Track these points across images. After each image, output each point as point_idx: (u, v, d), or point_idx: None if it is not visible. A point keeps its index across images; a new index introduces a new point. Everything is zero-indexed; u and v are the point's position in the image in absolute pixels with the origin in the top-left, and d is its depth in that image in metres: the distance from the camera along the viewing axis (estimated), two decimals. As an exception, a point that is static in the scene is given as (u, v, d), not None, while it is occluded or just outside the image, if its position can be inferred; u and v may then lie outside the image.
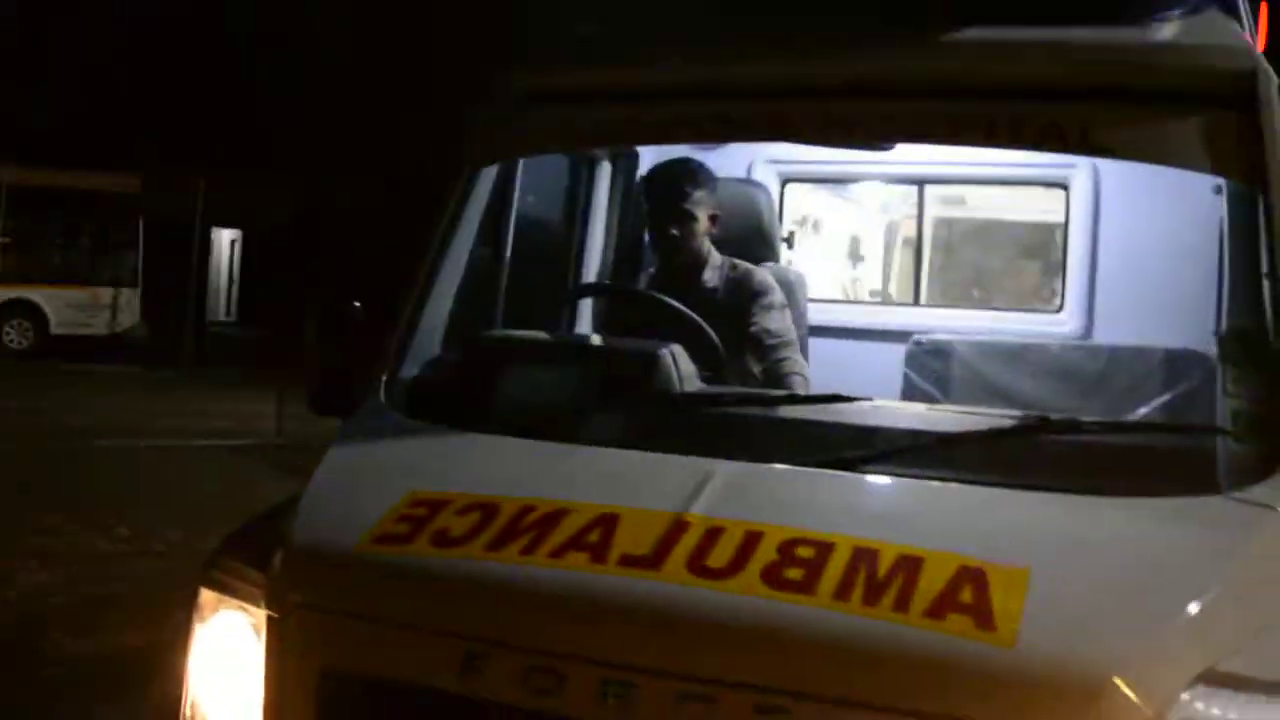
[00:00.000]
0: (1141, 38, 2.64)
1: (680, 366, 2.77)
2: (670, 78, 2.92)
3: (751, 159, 4.15)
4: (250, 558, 2.37)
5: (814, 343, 3.89)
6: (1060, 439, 2.34)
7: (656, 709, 1.87)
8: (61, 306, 21.47)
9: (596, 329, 3.60)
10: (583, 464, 2.38)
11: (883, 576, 1.90)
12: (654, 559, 2.00)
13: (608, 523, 2.10)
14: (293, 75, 22.61)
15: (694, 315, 3.08)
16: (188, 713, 2.39)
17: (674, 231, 3.44)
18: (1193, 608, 1.89)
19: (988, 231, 4.57)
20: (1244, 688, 1.79)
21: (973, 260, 4.50)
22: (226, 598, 2.35)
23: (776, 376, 3.29)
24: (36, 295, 21.45)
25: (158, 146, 22.72)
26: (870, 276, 4.67)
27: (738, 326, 3.38)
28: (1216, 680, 1.80)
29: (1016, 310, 4.26)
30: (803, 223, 4.43)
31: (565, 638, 1.97)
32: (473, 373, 2.88)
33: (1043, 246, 4.40)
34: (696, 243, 3.48)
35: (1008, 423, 2.37)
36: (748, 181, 3.94)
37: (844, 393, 2.54)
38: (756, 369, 3.33)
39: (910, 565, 1.92)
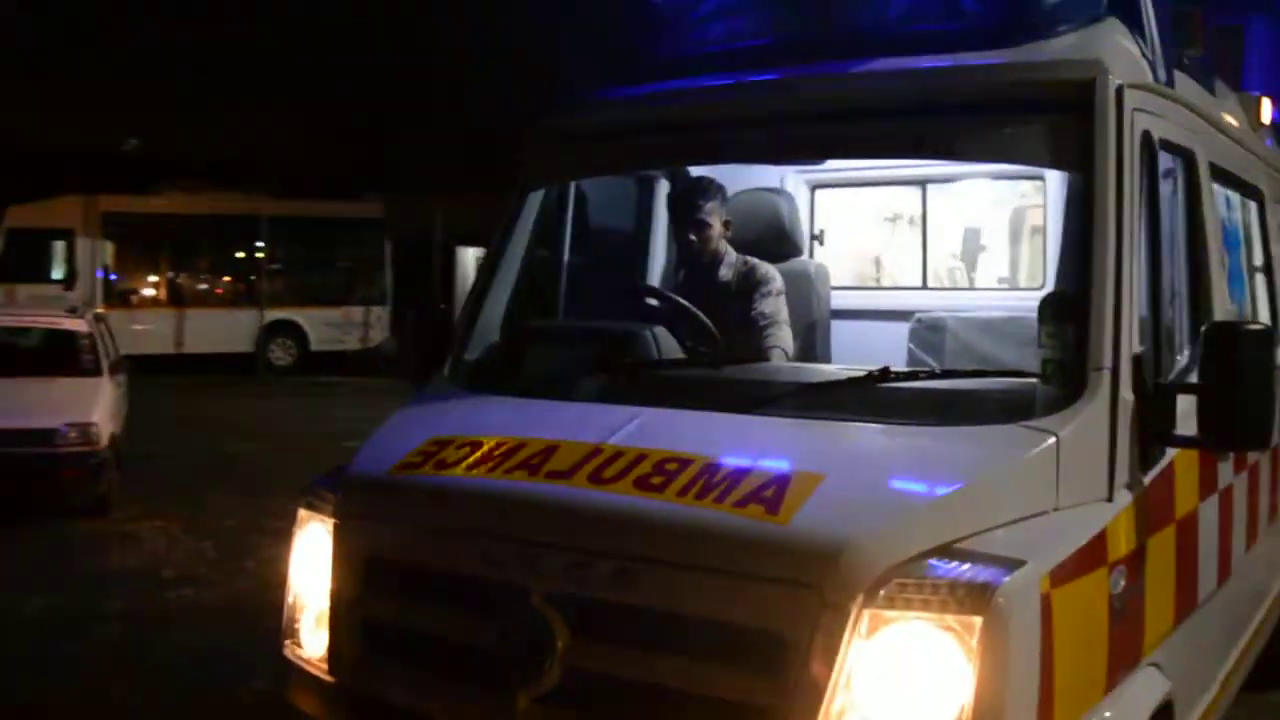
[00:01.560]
0: (1007, 58, 3.23)
1: (660, 343, 3.57)
2: (658, 117, 3.73)
3: (784, 171, 4.86)
4: (328, 486, 3.31)
5: (839, 324, 4.57)
6: (903, 385, 3.03)
7: (558, 574, 2.69)
8: (319, 325, 23.55)
9: (638, 318, 4.37)
10: (553, 413, 3.22)
11: (717, 480, 2.65)
12: (568, 473, 2.82)
13: (549, 450, 2.93)
14: (521, 99, 24.10)
15: (690, 305, 3.84)
16: (290, 592, 3.35)
17: (692, 237, 4.22)
18: (940, 499, 2.56)
19: (982, 221, 5.09)
20: (966, 559, 2.45)
21: (971, 248, 5.03)
22: (312, 513, 3.30)
23: (762, 349, 4.01)
24: (298, 316, 23.67)
25: (397, 173, 24.69)
26: (890, 265, 5.27)
27: (744, 310, 4.13)
28: (947, 552, 2.46)
29: (1008, 290, 4.78)
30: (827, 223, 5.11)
31: (503, 526, 2.82)
32: (509, 352, 3.75)
33: (1029, 233, 4.91)
34: (712, 245, 4.24)
35: (859, 374, 3.06)
36: (773, 190, 4.65)
37: (857, 365, 3.20)
38: (753, 343, 4.06)
39: (740, 473, 2.66)
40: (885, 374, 3.02)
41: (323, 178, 24.50)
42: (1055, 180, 4.40)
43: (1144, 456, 2.93)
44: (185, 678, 5.88)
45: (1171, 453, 3.10)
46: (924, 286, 4.99)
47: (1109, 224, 2.94)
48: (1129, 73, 3.25)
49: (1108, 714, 2.71)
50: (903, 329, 4.48)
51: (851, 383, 3.09)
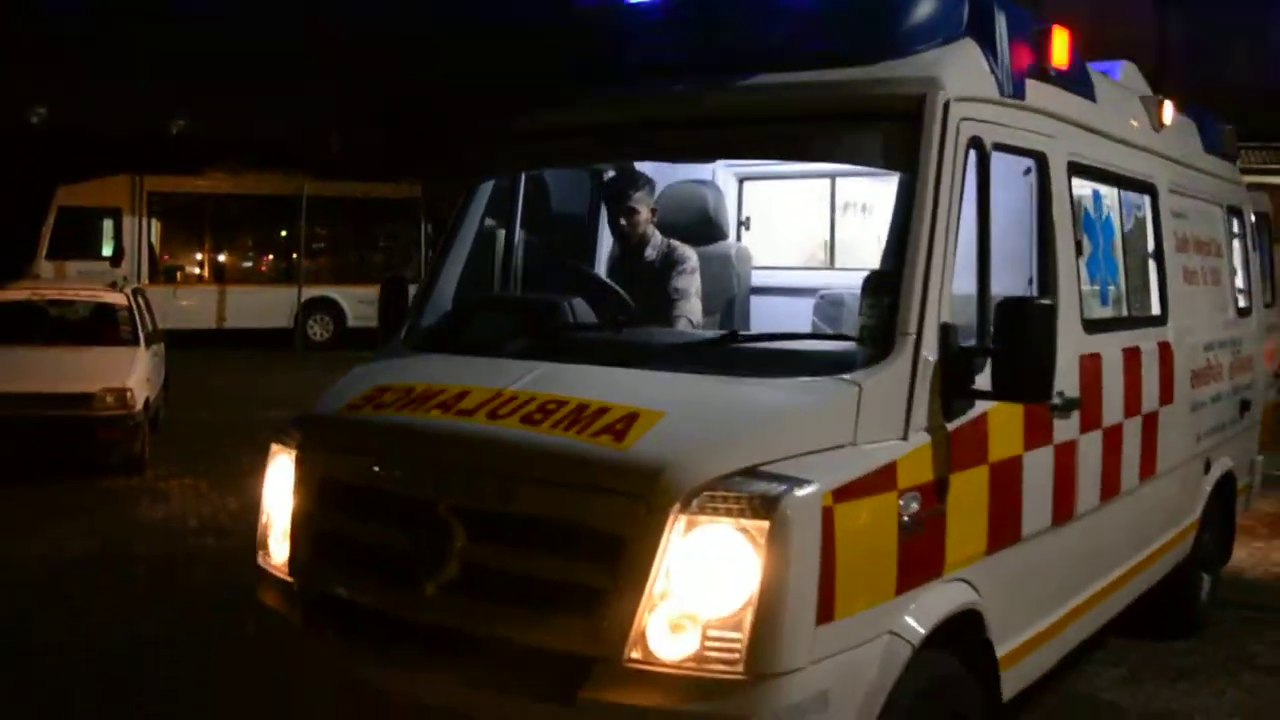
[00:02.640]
0: (861, 75, 3.86)
1: (576, 311, 4.24)
2: (579, 121, 4.40)
3: (715, 165, 5.51)
4: (294, 424, 4.03)
5: (762, 299, 5.23)
6: (749, 345, 3.69)
7: (458, 489, 3.38)
8: (356, 302, 24.19)
9: (571, 291, 5.01)
10: (475, 366, 3.90)
11: (583, 417, 3.33)
12: (472, 411, 3.51)
13: (462, 394, 3.62)
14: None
15: (609, 281, 4.53)
16: (262, 512, 4.07)
17: (622, 222, 4.89)
18: (750, 431, 3.23)
19: (880, 210, 5.68)
20: (764, 478, 3.10)
21: (872, 233, 5.62)
22: (281, 446, 4.01)
23: (671, 319, 4.67)
24: (335, 293, 24.49)
25: (435, 156, 25.46)
26: (808, 248, 5.88)
27: (664, 285, 4.79)
28: (751, 473, 3.12)
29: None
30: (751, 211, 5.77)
31: (419, 452, 3.52)
32: (453, 319, 4.44)
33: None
34: (640, 229, 4.90)
35: (714, 336, 3.73)
36: (701, 182, 5.28)
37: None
38: (667, 313, 4.72)
39: (602, 411, 3.33)
40: (734, 336, 3.69)
41: (361, 160, 25.31)
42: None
43: (947, 407, 3.57)
44: (200, 611, 6.64)
45: (985, 406, 3.73)
46: (831, 266, 5.62)
47: (924, 215, 3.58)
48: (968, 87, 3.87)
49: (900, 608, 3.36)
50: (811, 304, 5.12)
51: (708, 343, 3.77)
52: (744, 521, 3.02)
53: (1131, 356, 5.06)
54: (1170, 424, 5.58)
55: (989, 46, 4.06)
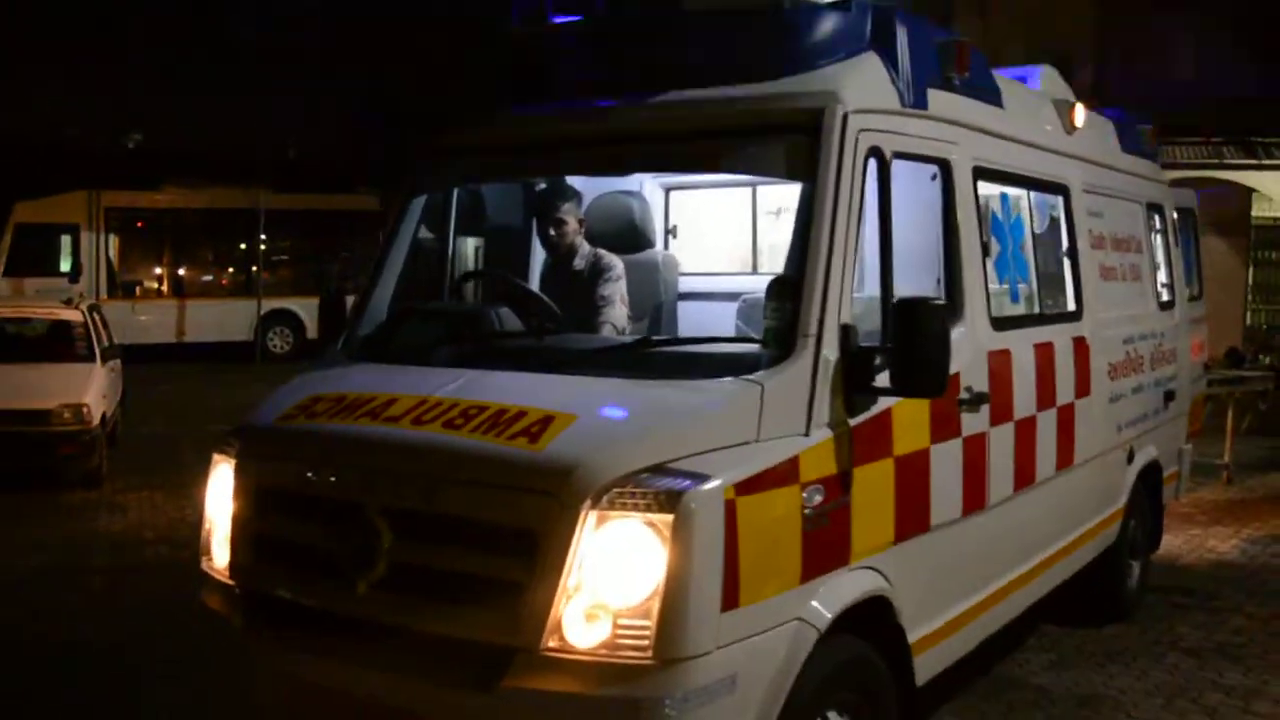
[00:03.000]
0: (766, 90, 4.06)
1: (503, 320, 4.43)
2: (505, 139, 4.59)
3: (642, 176, 5.70)
4: (234, 434, 4.19)
5: (689, 304, 5.42)
6: (661, 350, 3.89)
7: (384, 491, 3.55)
8: (316, 314, 24.29)
9: (501, 301, 5.17)
10: (404, 375, 4.07)
11: (501, 421, 3.51)
12: (399, 418, 3.69)
13: (390, 402, 3.80)
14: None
15: (535, 290, 4.73)
16: (205, 519, 4.22)
17: (551, 233, 5.07)
18: (656, 431, 3.42)
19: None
20: (669, 474, 3.28)
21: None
22: (221, 456, 4.16)
23: (596, 325, 4.85)
24: (294, 305, 24.45)
25: (391, 167, 25.52)
26: (734, 253, 6.08)
27: (590, 293, 4.97)
28: (658, 470, 3.30)
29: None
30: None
31: (347, 458, 3.69)
32: (387, 329, 4.60)
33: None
34: (568, 240, 5.08)
35: (628, 341, 3.92)
36: (628, 193, 5.47)
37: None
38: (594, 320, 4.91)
39: (519, 415, 3.51)
40: (646, 340, 3.89)
41: (318, 172, 25.34)
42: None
43: (850, 403, 3.78)
44: (153, 617, 6.77)
45: (888, 402, 3.94)
46: (754, 271, 5.83)
47: (823, 223, 3.78)
48: (868, 99, 4.07)
49: (806, 595, 3.56)
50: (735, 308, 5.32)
51: (623, 348, 3.97)
52: (650, 516, 3.20)
53: (1044, 351, 5.29)
54: (1088, 415, 5.81)
55: (890, 59, 4.27)
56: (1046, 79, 6.62)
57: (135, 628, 6.61)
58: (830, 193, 3.82)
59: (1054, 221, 5.94)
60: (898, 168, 4.36)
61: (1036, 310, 5.51)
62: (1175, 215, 8.02)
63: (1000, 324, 4.87)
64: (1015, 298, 5.28)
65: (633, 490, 3.24)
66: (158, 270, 24.68)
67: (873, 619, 3.97)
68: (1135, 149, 7.29)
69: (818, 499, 3.61)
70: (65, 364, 11.07)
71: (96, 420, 10.45)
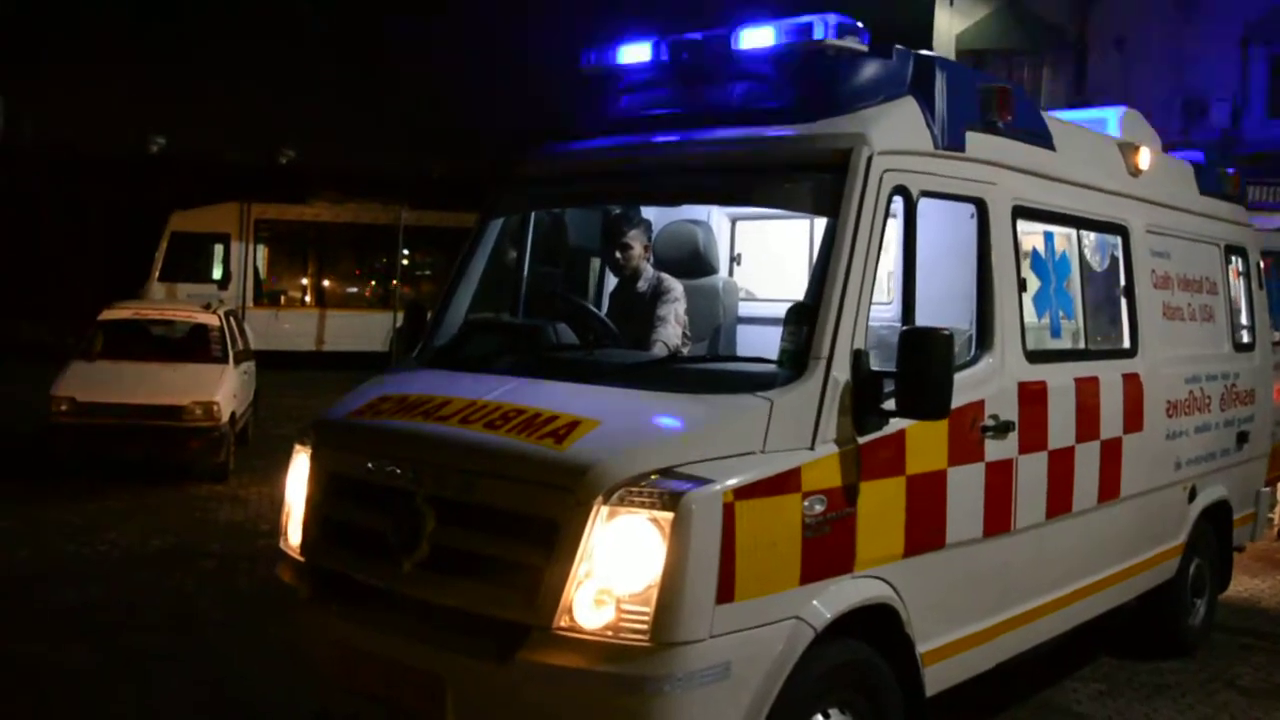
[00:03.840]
0: (805, 131, 4.39)
1: (559, 334, 4.85)
2: (571, 168, 5.03)
3: (710, 208, 6.06)
4: (312, 427, 4.69)
5: (745, 328, 5.77)
6: (688, 365, 4.25)
7: (431, 482, 3.99)
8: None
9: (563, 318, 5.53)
10: (463, 381, 4.51)
11: (536, 423, 3.92)
12: (449, 417, 4.13)
13: (445, 403, 4.25)
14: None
15: (591, 308, 5.19)
16: (285, 503, 4.73)
17: (618, 256, 5.47)
18: (668, 438, 3.78)
19: None
20: (675, 477, 3.64)
21: None
22: (301, 447, 4.67)
23: (649, 343, 5.21)
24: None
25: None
26: (793, 281, 6.34)
27: (650, 313, 5.36)
28: (666, 473, 3.67)
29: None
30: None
31: (402, 451, 4.14)
32: (458, 339, 5.06)
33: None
34: (634, 263, 5.47)
35: (653, 357, 4.30)
36: (694, 221, 5.82)
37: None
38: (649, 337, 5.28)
39: (551, 418, 3.92)
40: (674, 357, 4.27)
41: (461, 191, 26.29)
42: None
43: (860, 422, 4.08)
44: (258, 600, 7.37)
45: (903, 423, 4.22)
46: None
47: (842, 255, 4.11)
48: (898, 141, 4.38)
49: (807, 596, 3.87)
50: None
51: (655, 364, 4.36)
52: (653, 513, 3.57)
53: (1087, 385, 5.48)
54: (1139, 450, 5.95)
55: (928, 103, 4.57)
56: (1128, 121, 6.79)
57: (240, 607, 7.22)
58: (850, 227, 4.14)
59: (1113, 261, 6.11)
60: (936, 205, 4.68)
61: (1082, 345, 5.69)
62: (1260, 259, 8.03)
63: (1036, 357, 5.08)
64: (1057, 333, 5.48)
65: (640, 490, 3.61)
66: (302, 281, 25.94)
67: (880, 627, 4.26)
68: (1215, 191, 7.36)
69: (819, 508, 3.92)
70: (200, 364, 11.92)
71: (225, 418, 11.23)
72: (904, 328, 4.07)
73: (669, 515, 3.55)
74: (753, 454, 3.82)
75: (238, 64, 23.93)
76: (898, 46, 4.64)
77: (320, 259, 26.07)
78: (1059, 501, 5.28)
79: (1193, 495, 6.76)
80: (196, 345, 12.33)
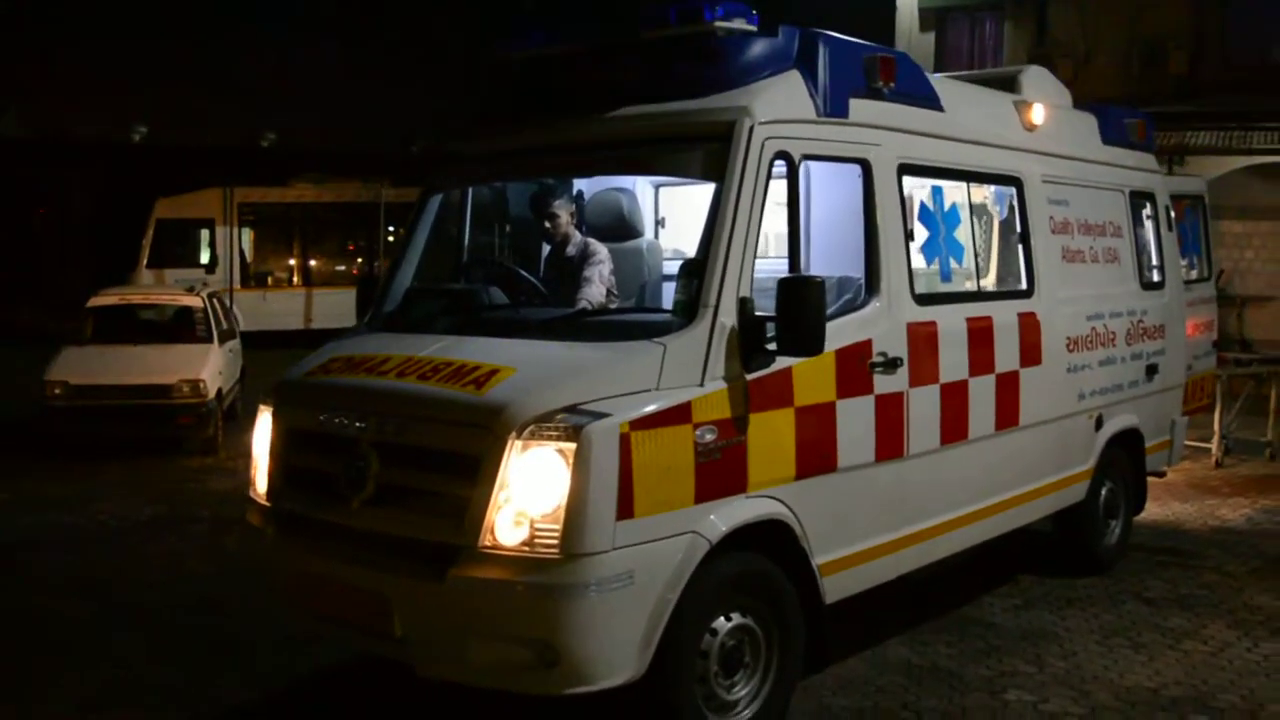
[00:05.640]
0: (696, 106, 4.93)
1: (491, 296, 5.41)
2: (488, 148, 5.59)
3: (636, 177, 6.59)
4: (273, 388, 5.25)
5: (669, 284, 6.29)
6: (591, 319, 4.83)
7: (373, 428, 4.56)
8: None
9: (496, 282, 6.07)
10: (405, 340, 5.06)
11: (462, 373, 4.48)
12: (389, 372, 4.70)
13: (386, 360, 4.81)
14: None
15: (520, 271, 5.74)
16: (252, 457, 5.29)
17: (546, 225, 6.01)
18: (571, 380, 4.34)
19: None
20: (578, 413, 4.21)
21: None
22: (264, 405, 5.23)
23: (575, 302, 5.74)
24: (412, 293, 25.85)
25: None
26: None
27: (578, 276, 5.90)
28: (571, 410, 4.23)
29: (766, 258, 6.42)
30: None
31: (349, 403, 4.71)
32: (403, 305, 5.62)
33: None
34: (562, 231, 6.01)
35: (567, 312, 4.87)
36: (619, 189, 6.34)
37: None
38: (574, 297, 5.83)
39: (474, 368, 4.48)
40: (584, 312, 4.84)
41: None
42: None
43: (747, 361, 4.63)
44: (243, 559, 7.91)
45: (790, 361, 4.76)
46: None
47: (727, 215, 4.66)
48: (780, 111, 4.92)
49: (702, 513, 4.43)
50: None
51: (568, 318, 4.92)
52: (559, 444, 4.14)
53: (979, 324, 6.03)
54: (1038, 382, 6.51)
55: (811, 75, 5.11)
56: (1031, 79, 7.32)
57: (229, 566, 7.80)
58: (734, 190, 4.69)
59: (1011, 210, 6.66)
60: (830, 167, 5.24)
61: (973, 287, 6.24)
62: (1169, 202, 8.53)
63: (924, 300, 5.63)
64: (947, 277, 6.03)
65: (547, 425, 4.17)
66: (288, 261, 26.40)
67: (779, 542, 4.83)
68: (1119, 140, 7.87)
69: (710, 436, 4.48)
70: (186, 344, 12.49)
71: (212, 394, 11.81)
72: (781, 277, 4.61)
73: (572, 445, 4.12)
74: (648, 391, 4.37)
75: (217, 47, 24.40)
76: (784, 25, 5.16)
77: (305, 239, 26.47)
78: (954, 429, 5.84)
79: (1100, 423, 7.31)
80: (182, 327, 12.90)
